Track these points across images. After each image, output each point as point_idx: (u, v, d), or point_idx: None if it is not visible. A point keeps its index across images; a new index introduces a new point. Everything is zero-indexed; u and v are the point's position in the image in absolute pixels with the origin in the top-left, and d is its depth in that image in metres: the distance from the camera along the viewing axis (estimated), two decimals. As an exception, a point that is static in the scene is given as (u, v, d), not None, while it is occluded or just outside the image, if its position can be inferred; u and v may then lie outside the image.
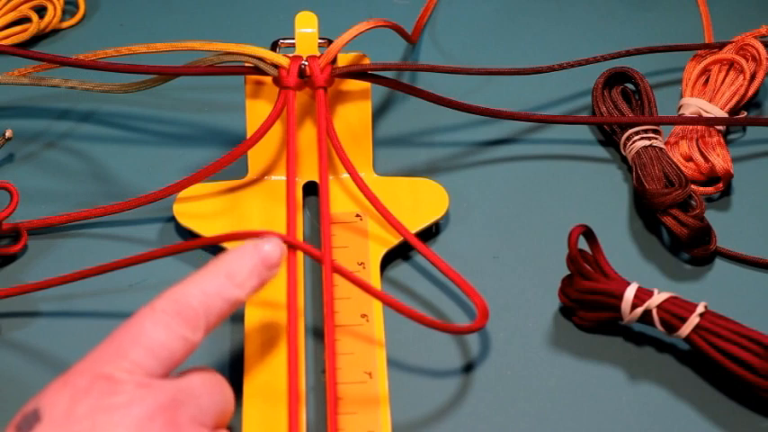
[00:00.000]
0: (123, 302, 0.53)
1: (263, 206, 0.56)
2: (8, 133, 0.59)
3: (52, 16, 0.68)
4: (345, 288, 0.52)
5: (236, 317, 0.52)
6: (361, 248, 0.54)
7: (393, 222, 0.54)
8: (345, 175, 0.57)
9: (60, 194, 0.59)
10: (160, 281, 0.55)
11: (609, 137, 0.62)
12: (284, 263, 0.48)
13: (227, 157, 0.55)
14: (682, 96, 0.63)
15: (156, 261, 0.55)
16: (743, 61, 0.62)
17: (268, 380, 0.49)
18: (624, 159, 0.60)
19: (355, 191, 0.56)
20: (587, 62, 0.63)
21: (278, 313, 0.51)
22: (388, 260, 0.55)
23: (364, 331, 0.51)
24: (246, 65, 0.57)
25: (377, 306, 0.52)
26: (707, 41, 0.68)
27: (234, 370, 0.50)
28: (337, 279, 0.52)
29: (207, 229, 0.55)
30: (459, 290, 0.54)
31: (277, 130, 0.57)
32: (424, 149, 0.62)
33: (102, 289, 0.54)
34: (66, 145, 0.61)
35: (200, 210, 0.56)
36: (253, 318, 0.51)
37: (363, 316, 0.52)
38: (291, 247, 0.49)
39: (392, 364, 0.51)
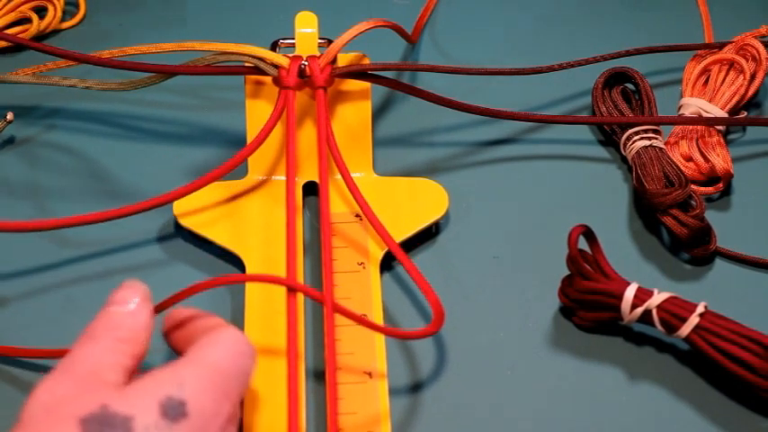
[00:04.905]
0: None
1: (263, 206, 0.56)
2: (9, 116, 0.60)
3: (52, 17, 0.67)
4: (345, 289, 0.52)
5: (237, 317, 0.52)
6: (361, 249, 0.54)
7: (376, 225, 0.53)
8: (345, 176, 0.57)
9: (59, 193, 0.59)
10: (160, 281, 0.55)
11: (609, 137, 0.62)
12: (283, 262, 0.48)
13: (229, 163, 0.54)
14: (682, 96, 0.63)
15: (155, 261, 0.56)
16: (743, 61, 0.62)
17: (267, 381, 0.49)
18: (624, 159, 0.60)
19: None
20: (587, 62, 0.63)
21: (277, 314, 0.51)
22: (388, 260, 0.55)
23: (364, 331, 0.51)
24: (246, 65, 0.57)
25: (376, 306, 0.52)
26: (707, 41, 0.68)
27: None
28: (336, 280, 0.52)
29: (207, 230, 0.55)
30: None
31: (277, 130, 0.57)
32: (424, 149, 0.62)
33: (103, 289, 0.54)
34: (66, 144, 0.61)
35: (200, 210, 0.56)
36: (252, 319, 0.51)
37: (363, 316, 0.52)
38: (292, 290, 0.49)
39: (392, 363, 0.51)
